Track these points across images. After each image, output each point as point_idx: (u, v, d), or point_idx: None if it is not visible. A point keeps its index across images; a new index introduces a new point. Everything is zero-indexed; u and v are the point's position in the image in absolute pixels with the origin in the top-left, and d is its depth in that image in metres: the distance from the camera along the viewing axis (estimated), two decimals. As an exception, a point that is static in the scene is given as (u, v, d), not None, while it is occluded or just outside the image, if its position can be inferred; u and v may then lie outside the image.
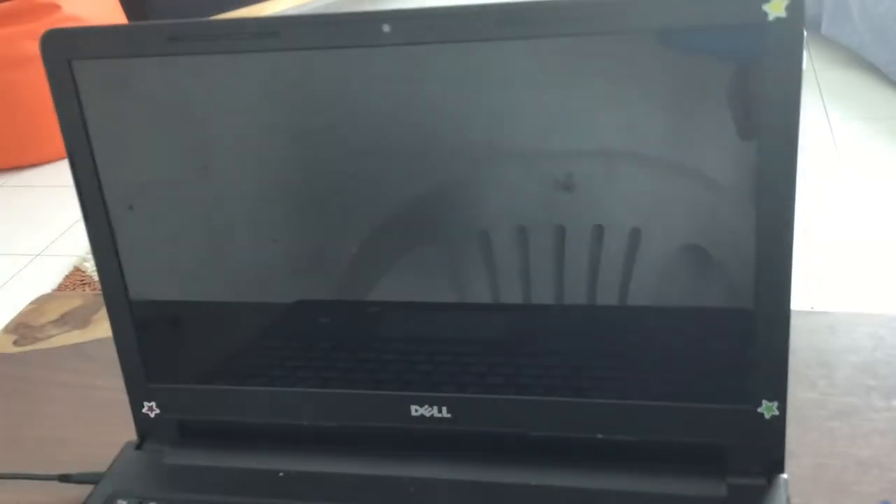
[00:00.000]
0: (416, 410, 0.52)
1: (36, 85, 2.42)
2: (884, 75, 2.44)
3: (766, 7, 0.40)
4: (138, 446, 0.56)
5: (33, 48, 2.40)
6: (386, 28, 0.44)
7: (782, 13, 0.40)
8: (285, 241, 0.52)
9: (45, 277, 1.96)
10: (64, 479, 0.55)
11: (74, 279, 1.96)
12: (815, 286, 1.63)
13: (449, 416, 0.51)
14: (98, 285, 0.54)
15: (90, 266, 2.00)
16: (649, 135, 0.45)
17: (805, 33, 0.41)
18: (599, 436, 0.50)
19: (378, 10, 0.44)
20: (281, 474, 0.53)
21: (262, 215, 0.51)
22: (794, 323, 0.46)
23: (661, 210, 0.47)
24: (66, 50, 0.48)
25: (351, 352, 0.53)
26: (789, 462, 0.49)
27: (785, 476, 0.48)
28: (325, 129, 0.48)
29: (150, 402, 0.55)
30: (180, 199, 0.51)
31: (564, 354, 0.50)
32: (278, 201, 0.51)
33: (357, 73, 0.46)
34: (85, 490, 0.54)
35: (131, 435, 0.56)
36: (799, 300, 0.46)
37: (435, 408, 0.51)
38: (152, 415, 0.55)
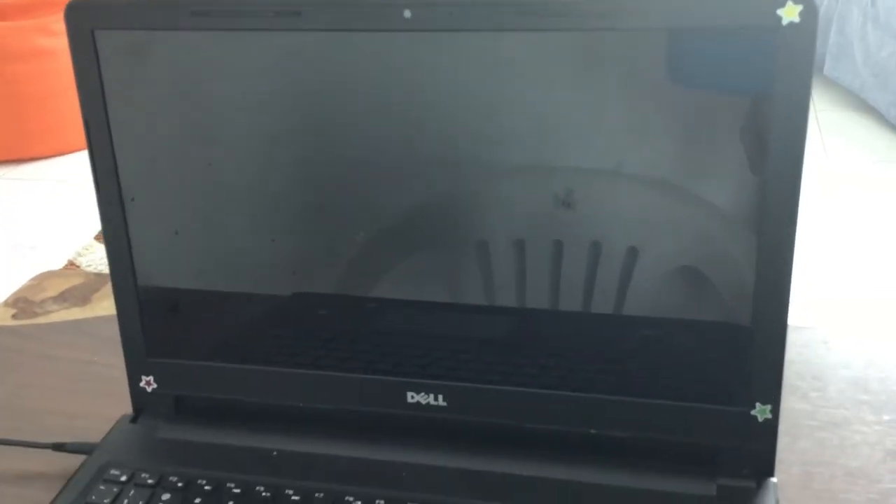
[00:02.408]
0: (412, 397, 0.52)
1: (42, 79, 2.43)
2: (884, 118, 2.47)
3: (780, 12, 0.41)
4: (133, 420, 0.56)
5: (42, 41, 2.41)
6: (407, 13, 0.45)
7: (796, 18, 0.41)
8: (290, 233, 0.52)
9: (41, 269, 1.95)
10: (58, 447, 0.55)
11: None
12: (806, 304, 1.65)
13: (444, 404, 0.52)
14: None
15: (84, 260, 2.00)
16: (653, 157, 0.47)
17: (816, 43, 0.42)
18: (593, 430, 0.50)
19: (400, -6, 0.45)
20: (275, 453, 0.53)
21: (269, 203, 0.52)
22: (789, 337, 0.47)
23: (660, 231, 0.48)
24: (89, 19, 0.49)
25: (349, 341, 0.54)
26: (779, 468, 0.50)
27: (774, 480, 0.49)
28: (335, 115, 0.49)
29: (148, 376, 0.55)
30: (190, 174, 0.52)
31: (559, 354, 0.51)
32: (286, 189, 0.52)
33: (375, 57, 0.47)
34: (78, 459, 0.54)
35: (126, 410, 0.57)
36: (793, 315, 0.47)
37: (431, 395, 0.52)
38: (149, 389, 0.55)
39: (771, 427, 0.48)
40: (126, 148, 0.51)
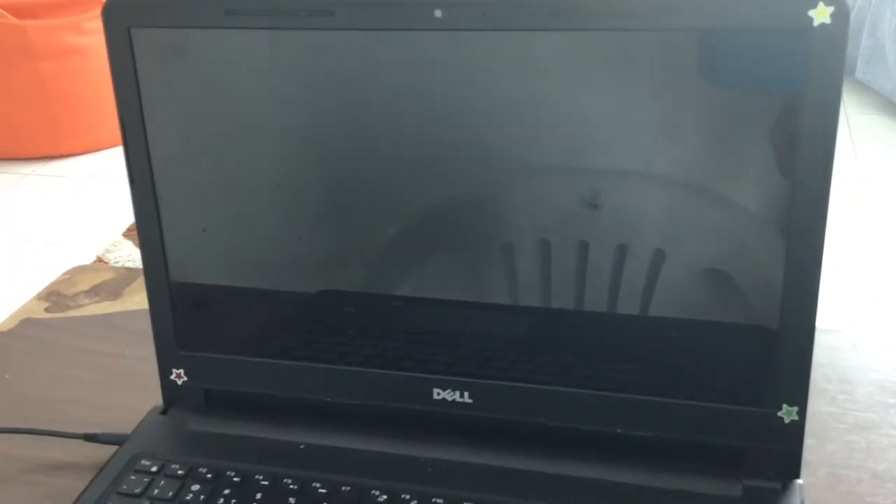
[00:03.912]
0: (438, 394, 0.52)
1: (73, 77, 2.46)
2: (915, 122, 2.44)
3: (811, 13, 0.41)
4: (164, 412, 0.57)
5: (73, 40, 2.44)
6: (438, 13, 0.45)
7: (827, 20, 0.41)
8: (319, 231, 0.53)
9: (69, 265, 1.98)
10: (90, 438, 0.56)
11: (98, 268, 1.98)
12: (835, 307, 1.64)
13: (470, 401, 0.52)
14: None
15: (112, 257, 2.02)
16: (682, 158, 0.47)
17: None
18: (619, 430, 0.51)
19: (432, -6, 0.45)
20: (302, 447, 0.54)
21: (299, 200, 0.53)
22: (817, 340, 0.47)
23: (688, 233, 0.48)
24: (126, 17, 0.50)
25: (375, 337, 0.54)
26: (805, 470, 0.50)
27: (800, 481, 0.49)
28: (365, 113, 0.49)
29: (178, 369, 0.56)
30: (222, 171, 0.53)
31: (585, 353, 0.51)
32: (315, 187, 0.52)
33: (405, 56, 0.47)
34: (109, 450, 0.55)
35: (156, 402, 0.57)
36: (821, 318, 0.47)
37: (456, 392, 0.52)
38: (180, 382, 0.56)
39: (797, 429, 0.48)
40: (160, 143, 0.51)
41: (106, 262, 2.00)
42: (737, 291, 0.49)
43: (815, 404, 0.56)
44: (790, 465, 0.49)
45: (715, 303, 0.50)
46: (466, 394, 0.52)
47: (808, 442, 0.49)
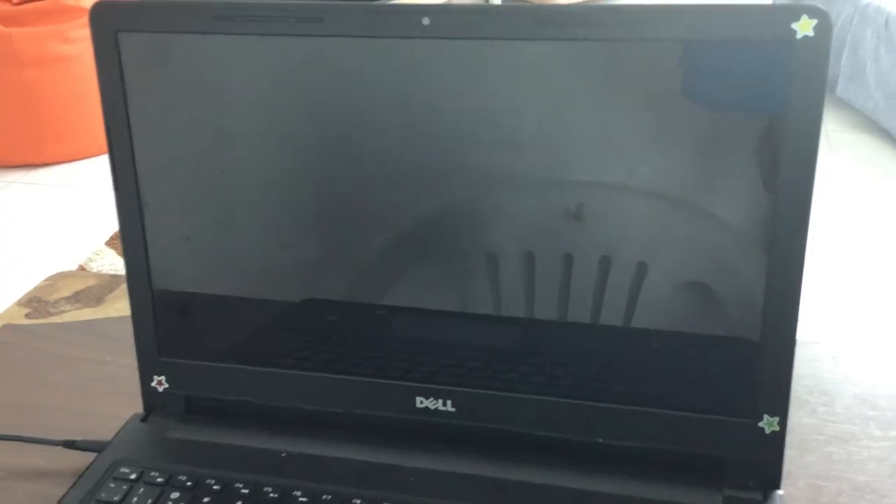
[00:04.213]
0: (421, 402, 0.52)
1: (59, 85, 2.45)
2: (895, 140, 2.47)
3: (794, 25, 0.42)
4: (144, 419, 0.57)
5: (59, 48, 2.43)
6: (426, 21, 0.46)
7: (810, 32, 0.42)
8: (302, 239, 0.53)
9: (50, 272, 1.96)
10: (69, 445, 0.55)
11: (80, 277, 1.97)
12: (815, 320, 1.65)
13: (453, 410, 0.52)
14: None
15: (95, 265, 2.01)
16: (665, 171, 0.47)
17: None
18: (600, 440, 0.51)
19: (420, 2, 0.46)
20: (283, 455, 0.53)
21: (283, 209, 0.53)
22: (798, 352, 0.47)
23: (670, 246, 0.48)
24: (113, 22, 0.50)
25: (358, 346, 0.54)
26: (786, 482, 0.50)
27: (781, 492, 0.49)
28: (351, 120, 0.49)
29: (159, 375, 0.56)
30: (207, 178, 0.53)
31: (568, 363, 0.51)
32: (299, 195, 0.52)
33: (392, 63, 0.47)
34: (88, 457, 0.54)
35: (137, 409, 0.57)
36: (801, 330, 0.47)
37: (440, 401, 0.52)
38: (161, 389, 0.56)
39: (778, 439, 0.48)
40: (146, 149, 0.51)
41: (89, 271, 1.99)
42: (719, 304, 0.49)
43: (795, 416, 0.56)
44: (771, 476, 0.49)
45: (697, 315, 0.50)
46: (449, 402, 0.52)
47: (789, 453, 0.49)
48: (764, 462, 0.49)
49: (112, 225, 2.04)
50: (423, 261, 0.52)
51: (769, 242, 0.46)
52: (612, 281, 0.49)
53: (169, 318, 0.55)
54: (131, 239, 0.53)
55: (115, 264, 2.00)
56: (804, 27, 0.42)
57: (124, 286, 0.55)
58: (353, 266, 0.53)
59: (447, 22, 0.45)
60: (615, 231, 0.49)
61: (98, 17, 0.50)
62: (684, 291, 0.49)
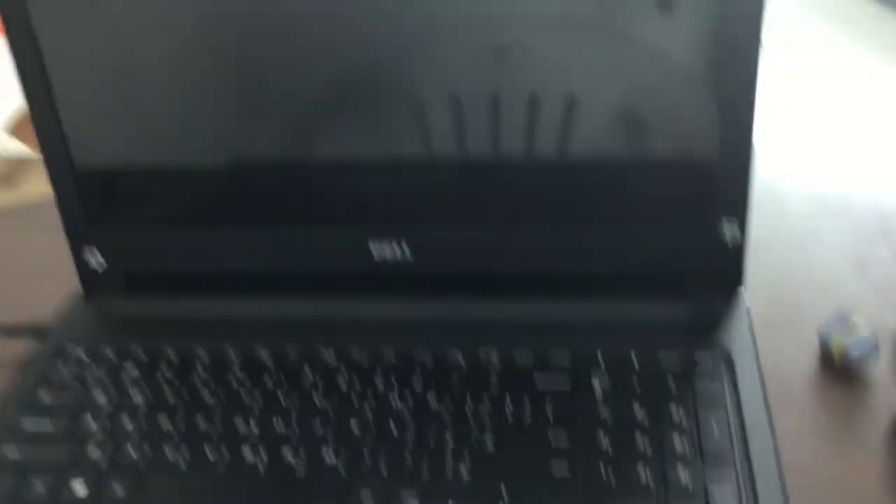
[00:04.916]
0: (375, 247, 0.50)
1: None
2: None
3: None
4: (86, 299, 0.53)
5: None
6: None
7: None
8: (225, 100, 0.49)
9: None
10: (7, 332, 0.52)
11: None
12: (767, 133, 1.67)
13: (408, 250, 0.50)
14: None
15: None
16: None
17: None
18: (563, 268, 0.50)
19: None
20: (239, 318, 0.51)
21: (202, 72, 0.48)
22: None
23: (601, 69, 0.46)
24: None
25: (299, 199, 0.51)
26: (747, 286, 0.50)
27: (743, 289, 0.49)
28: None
29: (91, 247, 0.52)
30: (118, 48, 0.48)
31: (514, 194, 0.49)
32: (218, 56, 0.48)
33: None
34: (28, 346, 0.51)
35: (72, 289, 0.54)
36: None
37: (393, 242, 0.50)
38: (95, 263, 0.53)
39: (738, 242, 0.48)
40: (47, 24, 0.46)
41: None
42: (668, 118, 0.48)
43: (751, 224, 0.56)
44: (734, 278, 0.49)
45: (645, 134, 0.48)
46: (404, 242, 0.50)
47: (748, 258, 0.49)
48: (726, 267, 0.48)
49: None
50: (351, 114, 0.49)
51: (719, 41, 0.43)
52: (548, 109, 0.46)
53: (94, 191, 0.51)
54: (42, 117, 0.49)
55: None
56: None
57: (38, 168, 0.51)
58: (281, 123, 0.50)
59: None
60: (542, 65, 0.46)
61: None
62: (628, 113, 0.47)
